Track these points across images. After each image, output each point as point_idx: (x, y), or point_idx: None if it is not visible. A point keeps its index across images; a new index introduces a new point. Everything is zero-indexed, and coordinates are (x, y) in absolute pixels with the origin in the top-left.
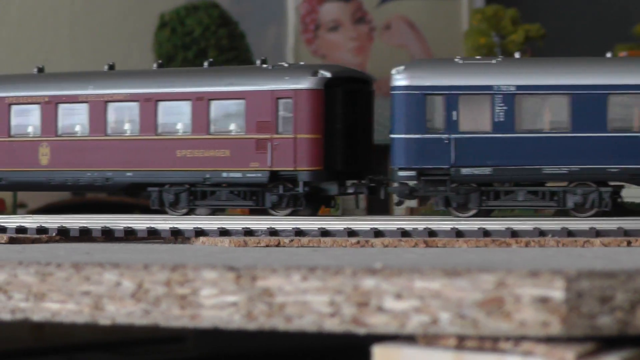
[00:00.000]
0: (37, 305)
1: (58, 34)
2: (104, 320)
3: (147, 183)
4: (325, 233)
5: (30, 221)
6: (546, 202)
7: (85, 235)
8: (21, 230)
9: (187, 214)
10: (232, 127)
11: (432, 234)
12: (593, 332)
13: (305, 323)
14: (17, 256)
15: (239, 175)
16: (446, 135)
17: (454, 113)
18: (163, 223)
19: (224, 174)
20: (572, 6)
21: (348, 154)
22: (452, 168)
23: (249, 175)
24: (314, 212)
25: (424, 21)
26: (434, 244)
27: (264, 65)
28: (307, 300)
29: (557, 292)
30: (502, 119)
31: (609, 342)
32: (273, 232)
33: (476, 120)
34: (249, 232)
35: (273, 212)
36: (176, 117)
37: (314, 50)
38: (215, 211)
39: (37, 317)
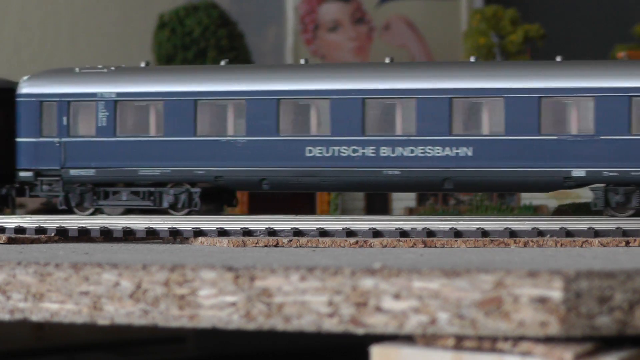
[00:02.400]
0: (36, 305)
1: (58, 34)
2: (102, 320)
3: None
4: (324, 233)
5: (30, 221)
6: (145, 202)
7: (84, 235)
8: (20, 230)
9: None
10: None
11: (431, 234)
12: (592, 332)
13: (304, 323)
14: (16, 256)
15: None
16: (57, 139)
17: (65, 118)
18: (162, 223)
19: None
20: (572, 6)
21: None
22: (62, 169)
23: None
24: None
25: (423, 21)
26: (432, 244)
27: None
28: (305, 301)
29: (555, 292)
30: (104, 124)
31: (607, 342)
32: (272, 233)
33: (84, 125)
34: (247, 233)
35: None
36: None
37: (314, 51)
38: None
39: (36, 317)
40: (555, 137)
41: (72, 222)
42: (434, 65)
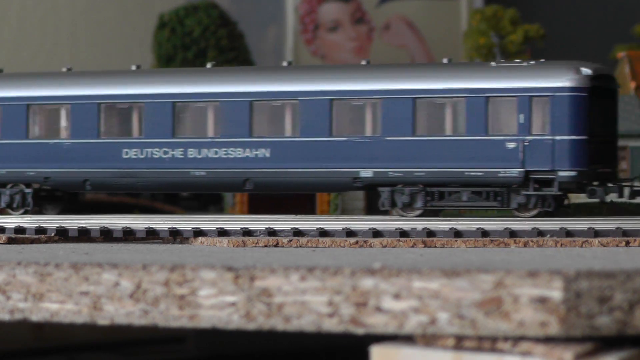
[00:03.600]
0: (36, 305)
1: (58, 34)
2: (102, 320)
3: None
4: (323, 233)
5: (29, 221)
6: None
7: (84, 235)
8: (20, 230)
9: None
10: None
11: (431, 234)
12: (592, 332)
13: (304, 323)
14: (16, 256)
15: None
16: None
17: None
18: (162, 223)
19: None
20: (572, 6)
21: None
22: None
23: None
24: None
25: (423, 21)
26: (432, 244)
27: None
28: (305, 301)
29: (555, 292)
30: None
31: (607, 343)
32: (272, 233)
33: None
34: (247, 233)
35: None
36: None
37: (314, 51)
38: None
39: (36, 317)
40: (344, 139)
41: (72, 222)
42: (237, 71)
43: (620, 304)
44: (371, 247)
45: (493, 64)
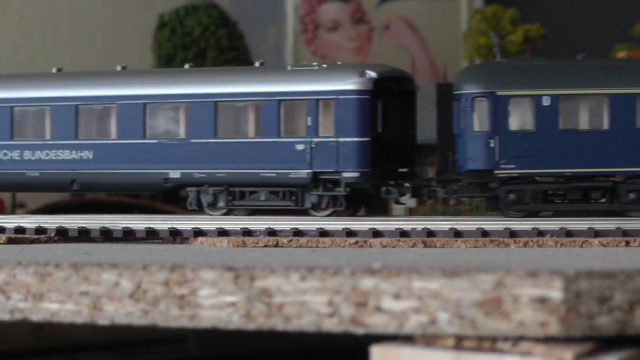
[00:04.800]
0: (36, 305)
1: (58, 34)
2: (102, 320)
3: None
4: (323, 233)
5: (29, 221)
6: None
7: (84, 235)
8: (20, 230)
9: None
10: None
11: (431, 234)
12: (592, 332)
13: (304, 323)
14: (16, 256)
15: None
16: None
17: None
18: (162, 223)
19: None
20: (572, 6)
21: None
22: None
23: None
24: None
25: (423, 21)
26: (432, 244)
27: None
28: (305, 301)
29: (555, 292)
30: None
31: (607, 343)
32: (272, 233)
33: None
34: (247, 233)
35: None
36: None
37: (314, 51)
38: None
39: (36, 317)
40: (155, 141)
41: (72, 222)
42: (64, 75)
43: (620, 304)
44: (371, 247)
45: (289, 67)
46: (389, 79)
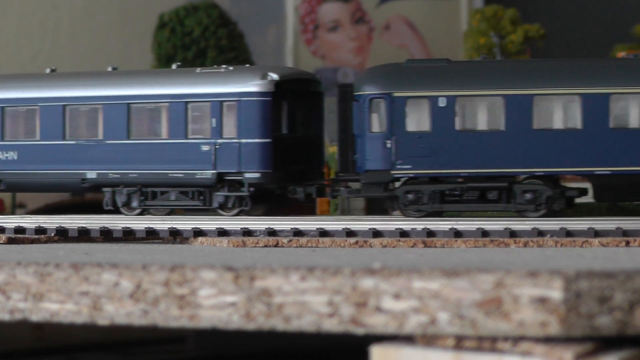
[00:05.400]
0: (36, 305)
1: (58, 34)
2: (102, 320)
3: None
4: (323, 233)
5: (29, 221)
6: None
7: (84, 235)
8: (20, 230)
9: None
10: None
11: (431, 234)
12: (592, 332)
13: (304, 323)
14: (16, 256)
15: None
16: None
17: None
18: (162, 223)
19: None
20: (572, 6)
21: None
22: None
23: None
24: None
25: (423, 21)
26: (432, 244)
27: None
28: (305, 301)
29: (555, 292)
30: None
31: (607, 343)
32: (271, 233)
33: None
34: (247, 233)
35: None
36: None
37: (314, 51)
38: None
39: (36, 317)
40: (74, 142)
41: (72, 222)
42: None
43: (620, 304)
44: (371, 247)
45: (198, 70)
46: (293, 81)
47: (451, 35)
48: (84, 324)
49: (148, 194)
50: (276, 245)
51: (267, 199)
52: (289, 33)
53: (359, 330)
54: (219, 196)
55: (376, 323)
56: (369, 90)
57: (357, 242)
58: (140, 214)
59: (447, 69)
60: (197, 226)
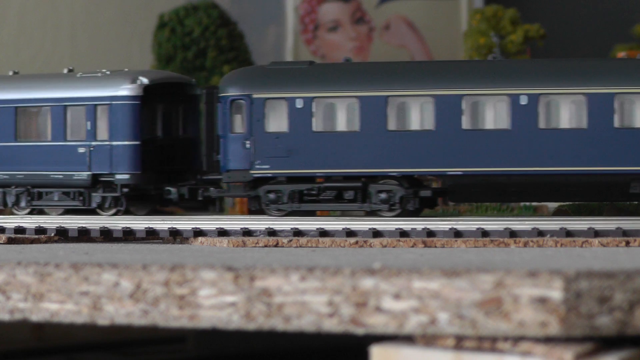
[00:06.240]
0: (36, 305)
1: (58, 34)
2: (102, 320)
3: None
4: (323, 233)
5: (29, 221)
6: None
7: (84, 235)
8: (20, 230)
9: None
10: None
11: (431, 234)
12: (592, 332)
13: (304, 323)
14: (16, 256)
15: None
16: None
17: None
18: (162, 223)
19: None
20: (572, 6)
21: None
22: None
23: None
24: None
25: (423, 21)
26: (432, 244)
27: None
28: (305, 301)
29: (555, 292)
30: None
31: (607, 343)
32: (272, 233)
33: None
34: (247, 233)
35: None
36: None
37: (314, 51)
38: None
39: (36, 317)
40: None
41: (72, 222)
42: None
43: (620, 304)
44: (371, 247)
45: (79, 74)
46: (165, 84)
47: (451, 35)
48: (84, 324)
49: (35, 195)
50: (276, 245)
51: (147, 200)
52: (289, 33)
53: (359, 330)
54: (96, 197)
55: (376, 323)
56: (230, 92)
57: (357, 242)
58: (30, 213)
59: (307, 71)
60: (197, 226)
